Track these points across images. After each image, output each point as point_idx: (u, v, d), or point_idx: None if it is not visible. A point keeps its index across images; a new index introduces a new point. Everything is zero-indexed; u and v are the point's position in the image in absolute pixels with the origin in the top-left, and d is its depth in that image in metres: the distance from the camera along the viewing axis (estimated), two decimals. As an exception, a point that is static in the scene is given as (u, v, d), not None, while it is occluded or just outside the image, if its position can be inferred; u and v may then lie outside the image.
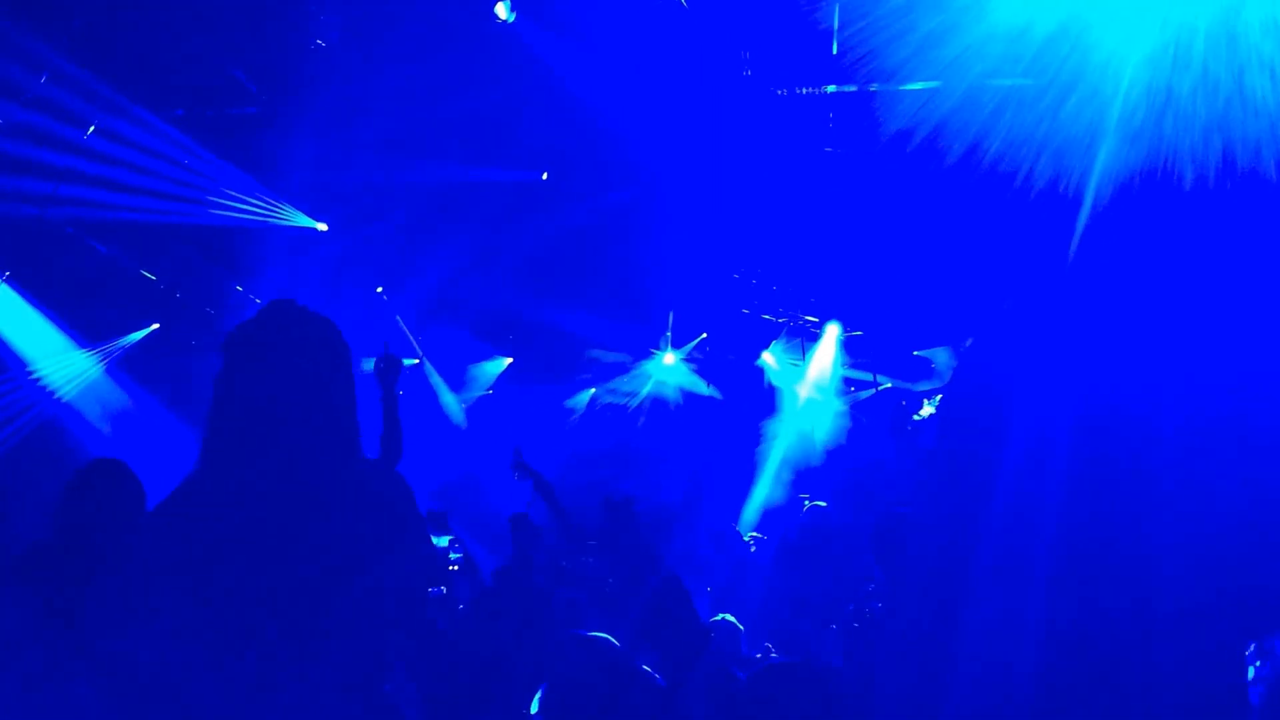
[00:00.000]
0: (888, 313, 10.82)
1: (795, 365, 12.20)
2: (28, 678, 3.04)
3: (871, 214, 8.76)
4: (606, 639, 2.54)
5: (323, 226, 9.50)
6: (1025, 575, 1.39)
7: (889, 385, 11.41)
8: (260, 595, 2.00)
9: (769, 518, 10.75)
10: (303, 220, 9.30)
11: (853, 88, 7.09)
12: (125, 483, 3.69)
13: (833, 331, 10.00)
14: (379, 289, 11.36)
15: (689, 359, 12.70)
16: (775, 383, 12.60)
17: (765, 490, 11.68)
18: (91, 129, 7.39)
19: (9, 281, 8.59)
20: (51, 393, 9.55)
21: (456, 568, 6.68)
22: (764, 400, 12.73)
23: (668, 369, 12.86)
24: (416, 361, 12.80)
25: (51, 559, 3.56)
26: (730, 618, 4.48)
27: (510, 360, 13.25)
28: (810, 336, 11.56)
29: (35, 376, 9.34)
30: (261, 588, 2.00)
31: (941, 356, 10.46)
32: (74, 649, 3.34)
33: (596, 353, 12.44)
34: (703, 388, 13.11)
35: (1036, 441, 1.41)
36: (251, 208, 8.91)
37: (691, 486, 13.04)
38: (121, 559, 3.55)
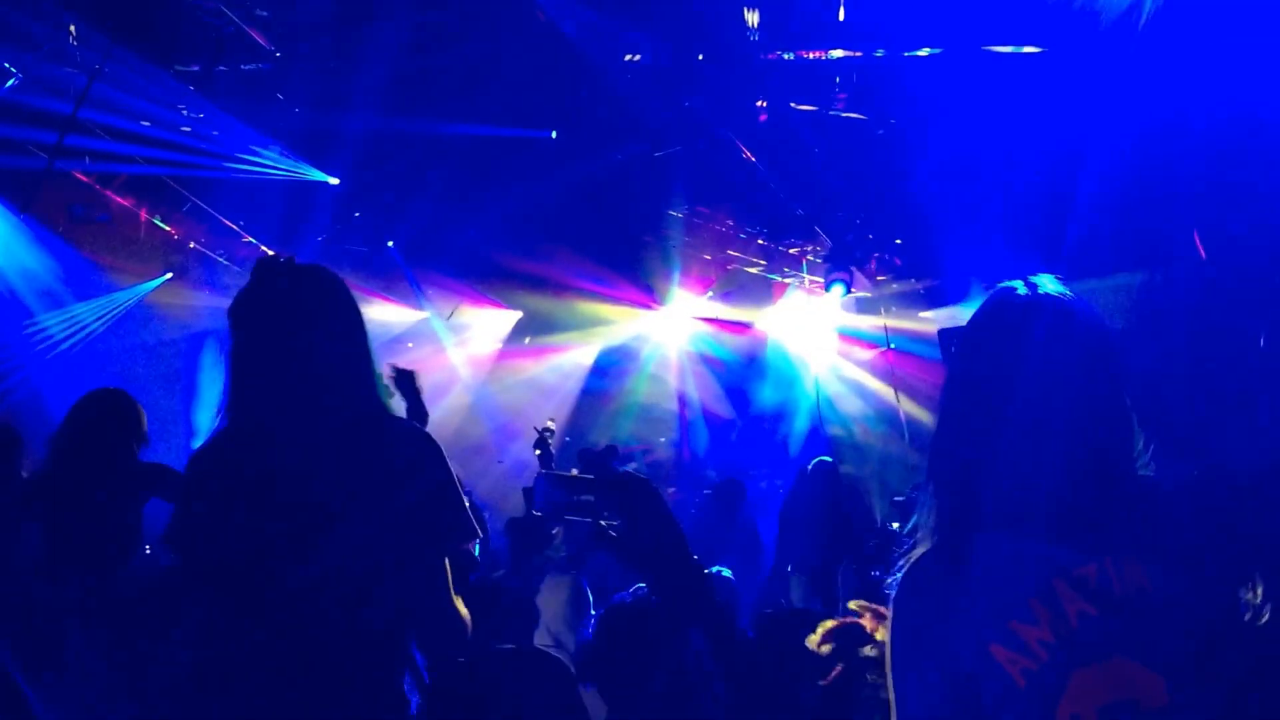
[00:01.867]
0: (899, 271, 10.88)
1: (799, 324, 12.28)
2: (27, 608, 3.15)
3: (881, 175, 8.79)
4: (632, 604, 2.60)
5: (334, 180, 9.58)
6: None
7: (894, 346, 11.49)
8: (282, 544, 2.04)
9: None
10: (314, 174, 9.37)
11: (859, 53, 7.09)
12: (121, 410, 3.77)
13: (837, 292, 10.06)
14: (389, 243, 11.44)
15: (696, 318, 12.78)
16: (779, 342, 12.70)
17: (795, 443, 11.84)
18: (92, 80, 7.42)
19: (24, 222, 8.67)
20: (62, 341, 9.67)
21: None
22: (768, 359, 12.85)
23: (674, 327, 12.95)
24: (425, 315, 12.92)
25: (53, 485, 3.63)
26: (725, 571, 4.60)
27: (520, 315, 13.35)
28: (818, 295, 11.62)
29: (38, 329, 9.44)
30: (284, 536, 2.04)
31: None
32: (70, 575, 3.47)
33: (604, 309, 12.52)
34: (710, 347, 13.21)
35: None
36: (264, 161, 8.99)
37: (694, 443, 13.21)
38: (117, 486, 3.67)
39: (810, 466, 6.76)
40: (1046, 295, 1.60)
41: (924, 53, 6.71)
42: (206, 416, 10.27)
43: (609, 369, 13.72)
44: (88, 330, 9.94)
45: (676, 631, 2.33)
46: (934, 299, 10.51)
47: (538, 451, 5.76)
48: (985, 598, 1.45)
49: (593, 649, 2.44)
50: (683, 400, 13.49)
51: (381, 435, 2.17)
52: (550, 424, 6.09)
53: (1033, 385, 1.52)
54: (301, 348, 2.16)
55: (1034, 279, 1.64)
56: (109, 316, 10.17)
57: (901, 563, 1.58)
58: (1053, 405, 1.51)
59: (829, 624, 2.09)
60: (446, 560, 2.18)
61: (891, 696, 1.50)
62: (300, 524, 2.05)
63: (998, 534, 1.50)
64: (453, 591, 2.18)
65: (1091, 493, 1.48)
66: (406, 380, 3.91)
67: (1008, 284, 1.66)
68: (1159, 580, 1.41)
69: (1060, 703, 1.36)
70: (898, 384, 11.25)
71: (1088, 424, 1.50)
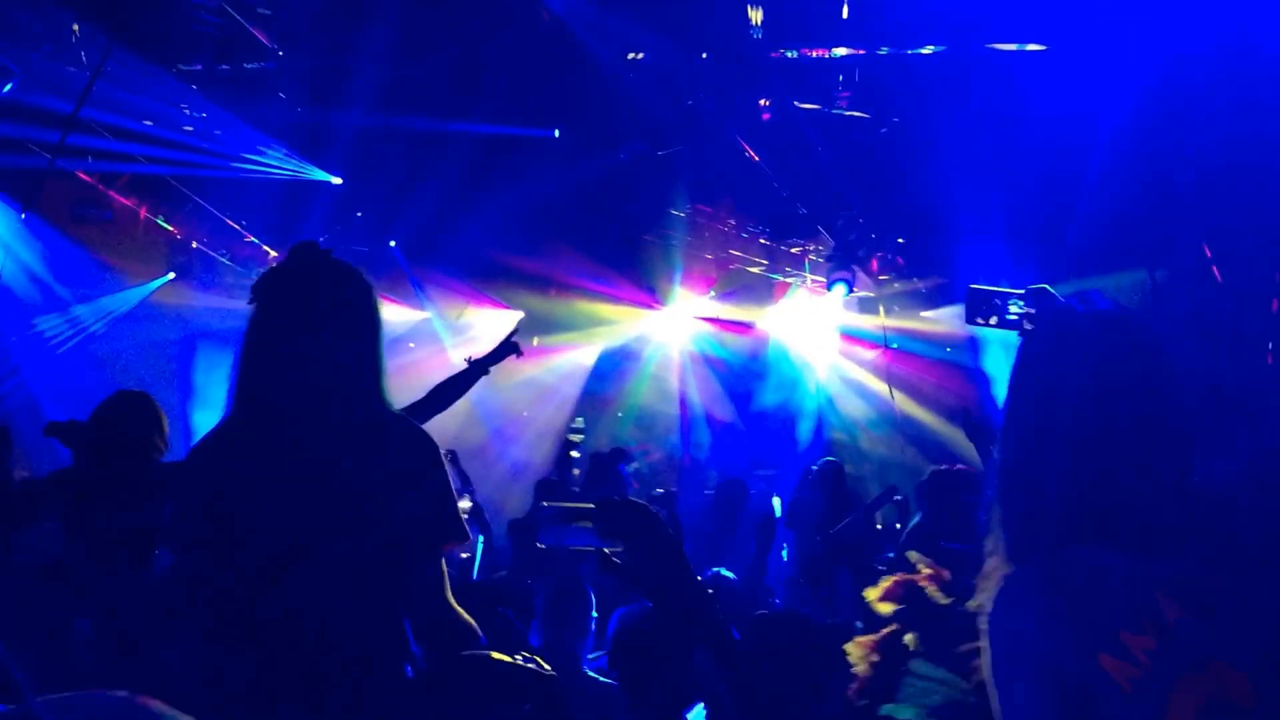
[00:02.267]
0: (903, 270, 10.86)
1: (801, 324, 12.26)
2: (40, 611, 3.15)
3: (884, 174, 8.77)
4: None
5: (336, 180, 9.57)
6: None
7: (895, 345, 11.47)
8: (281, 541, 2.05)
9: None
10: (317, 174, 9.37)
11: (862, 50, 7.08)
12: (148, 412, 3.78)
13: (839, 291, 10.05)
14: (391, 242, 11.43)
15: (698, 318, 12.77)
16: (781, 341, 12.68)
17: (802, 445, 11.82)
18: (94, 79, 7.42)
19: (26, 222, 8.66)
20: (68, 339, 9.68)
21: (466, 516, 6.80)
22: (769, 359, 12.83)
23: (676, 326, 12.93)
24: (426, 315, 12.91)
25: (76, 488, 3.62)
26: (726, 572, 4.59)
27: (521, 315, 13.32)
28: (819, 295, 11.60)
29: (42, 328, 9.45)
30: (283, 532, 2.06)
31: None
32: (89, 580, 3.47)
33: (605, 309, 12.50)
34: (712, 347, 13.19)
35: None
36: (266, 161, 8.99)
37: (695, 443, 13.19)
38: (143, 488, 3.68)
39: (815, 467, 6.75)
40: (1107, 310, 1.66)
41: (927, 50, 6.71)
42: (206, 416, 10.26)
43: (610, 369, 13.69)
44: (88, 330, 9.94)
45: (683, 648, 2.35)
46: (937, 298, 10.50)
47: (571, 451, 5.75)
48: (1090, 610, 1.48)
49: (622, 641, 2.43)
50: (684, 400, 13.48)
51: (380, 433, 2.18)
52: (579, 421, 6.06)
53: (1105, 400, 1.58)
54: (317, 336, 2.18)
55: (1086, 293, 1.69)
56: (109, 316, 10.17)
57: (980, 584, 1.60)
58: (1126, 419, 1.56)
59: (887, 581, 2.09)
60: (443, 563, 2.19)
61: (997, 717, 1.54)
62: (296, 520, 2.06)
63: (1088, 549, 1.54)
64: (450, 595, 2.18)
65: (1167, 502, 1.53)
66: (504, 352, 4.24)
67: (1063, 300, 1.72)
68: (1236, 580, 1.46)
69: (1167, 710, 1.40)
70: (896, 383, 11.24)
71: (1159, 435, 1.56)
